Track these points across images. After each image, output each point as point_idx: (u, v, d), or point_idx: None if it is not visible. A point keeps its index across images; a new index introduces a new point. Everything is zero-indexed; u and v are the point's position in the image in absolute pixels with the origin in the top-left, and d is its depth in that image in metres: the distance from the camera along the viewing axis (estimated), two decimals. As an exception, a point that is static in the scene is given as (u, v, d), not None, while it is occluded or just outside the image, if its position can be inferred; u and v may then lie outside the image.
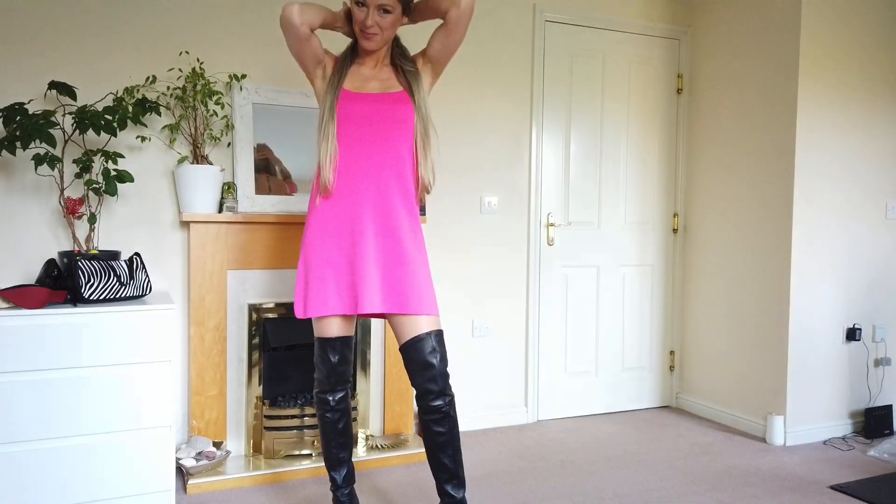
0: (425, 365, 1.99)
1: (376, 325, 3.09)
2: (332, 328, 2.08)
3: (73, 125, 2.48)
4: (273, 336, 2.90)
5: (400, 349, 2.04)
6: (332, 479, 2.20)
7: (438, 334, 2.03)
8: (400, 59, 2.14)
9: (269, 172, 2.93)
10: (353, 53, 2.13)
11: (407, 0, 2.03)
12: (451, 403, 2.02)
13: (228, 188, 2.82)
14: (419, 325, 2.01)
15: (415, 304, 2.00)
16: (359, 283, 2.00)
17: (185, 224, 2.84)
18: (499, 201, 3.46)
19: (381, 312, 2.04)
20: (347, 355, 2.13)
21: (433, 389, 2.00)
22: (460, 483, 2.04)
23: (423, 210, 3.17)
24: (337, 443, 2.17)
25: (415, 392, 2.04)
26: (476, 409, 3.46)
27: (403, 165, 2.07)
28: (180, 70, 2.83)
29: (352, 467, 2.22)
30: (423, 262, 2.07)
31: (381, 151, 2.05)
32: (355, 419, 2.97)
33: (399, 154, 2.06)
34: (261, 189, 2.89)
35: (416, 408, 3.25)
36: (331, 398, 2.15)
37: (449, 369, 2.04)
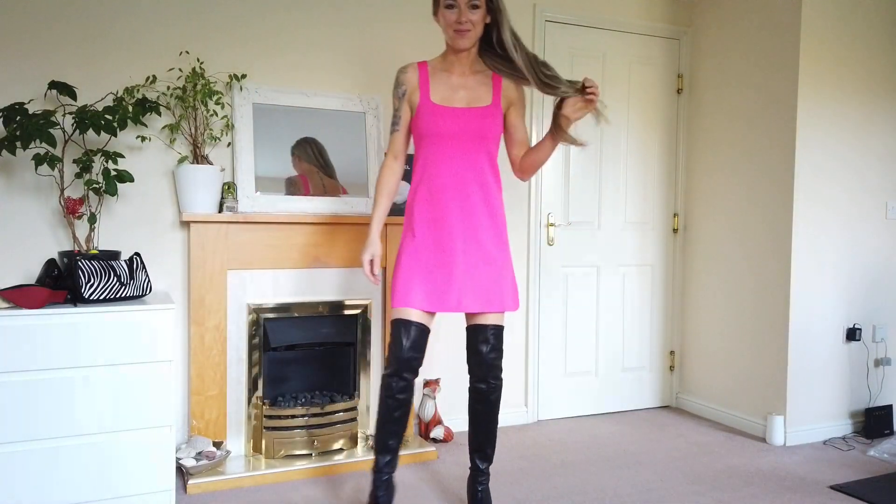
0: (475, 351, 2.26)
1: (376, 326, 3.09)
2: (413, 314, 2.19)
3: (73, 125, 2.48)
4: (273, 336, 2.90)
5: (466, 329, 2.30)
6: (376, 461, 2.25)
7: (496, 329, 2.25)
8: (499, 66, 2.24)
9: (325, 172, 2.98)
10: (441, 63, 2.27)
11: None
12: (493, 390, 2.27)
13: (228, 188, 2.82)
14: (485, 317, 2.25)
15: (491, 302, 2.23)
16: (447, 284, 2.19)
17: (186, 224, 2.84)
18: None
19: (465, 311, 2.24)
20: (421, 343, 2.21)
21: (476, 373, 2.28)
22: (484, 457, 2.33)
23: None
24: (389, 430, 2.23)
25: (467, 369, 2.31)
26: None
27: (485, 176, 2.24)
28: (180, 70, 2.83)
29: (397, 457, 2.27)
30: (505, 263, 2.27)
31: (466, 165, 2.22)
32: (355, 419, 2.97)
33: (481, 166, 2.23)
34: (315, 190, 2.94)
35: (416, 407, 3.25)
36: (394, 384, 2.19)
37: (503, 363, 2.33)
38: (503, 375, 2.36)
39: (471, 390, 2.30)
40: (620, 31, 3.68)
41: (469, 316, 2.28)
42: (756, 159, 3.42)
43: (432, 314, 2.24)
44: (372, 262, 2.28)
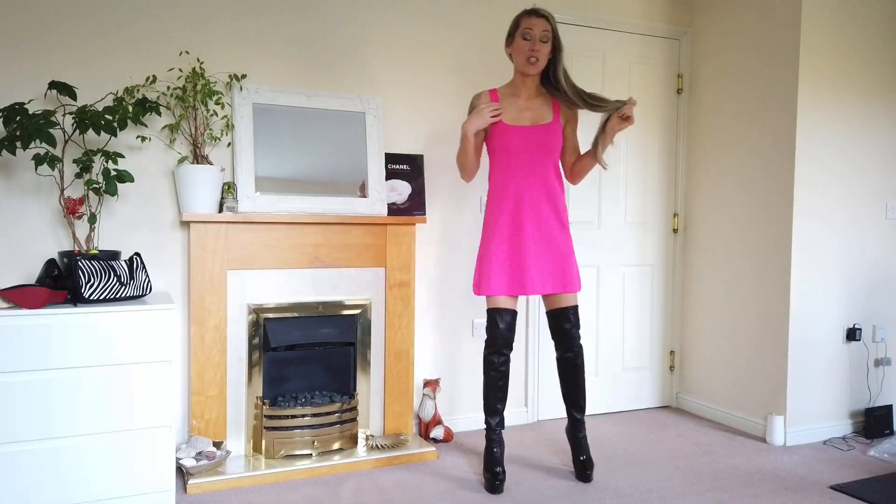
0: (561, 329, 2.75)
1: (376, 327, 3.09)
2: (502, 302, 2.70)
3: (73, 125, 2.48)
4: (273, 336, 2.90)
5: (546, 313, 2.79)
6: (488, 423, 2.76)
7: (575, 308, 2.75)
8: (559, 94, 2.72)
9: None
10: (508, 89, 2.75)
11: (555, 36, 2.66)
12: (577, 355, 2.77)
13: (228, 188, 2.82)
14: (564, 300, 2.73)
15: (563, 285, 2.70)
16: (524, 273, 2.66)
17: (186, 224, 2.84)
18: (499, 201, 3.46)
19: (541, 293, 2.70)
20: (513, 324, 2.73)
21: (563, 346, 2.76)
22: (580, 409, 2.82)
23: (423, 210, 3.18)
24: (496, 396, 2.75)
25: (553, 344, 2.81)
26: (475, 408, 3.45)
27: (550, 180, 2.70)
28: (180, 70, 2.83)
29: (503, 416, 2.78)
30: (569, 249, 2.73)
31: (534, 172, 2.68)
32: (355, 419, 2.97)
33: (547, 173, 2.70)
34: None
35: (416, 407, 3.25)
36: (496, 359, 2.73)
37: (581, 332, 2.88)
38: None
39: (559, 360, 2.80)
40: (620, 31, 3.68)
41: (548, 300, 2.76)
42: (756, 159, 3.42)
43: (516, 298, 2.74)
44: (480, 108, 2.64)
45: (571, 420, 2.84)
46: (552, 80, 2.71)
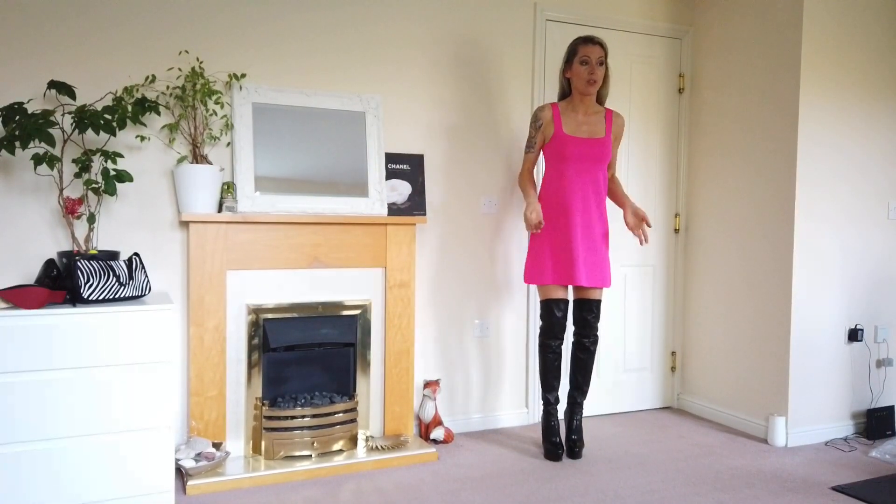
0: (583, 318, 3.05)
1: (376, 327, 3.08)
2: (557, 292, 3.00)
3: (72, 125, 2.47)
4: (272, 336, 2.89)
5: (573, 301, 3.08)
6: (546, 399, 3.09)
7: (598, 302, 3.04)
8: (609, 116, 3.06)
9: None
10: (568, 104, 3.02)
11: (605, 58, 2.96)
12: (593, 342, 3.07)
13: (228, 188, 2.82)
14: (593, 293, 3.04)
15: (601, 279, 2.99)
16: (574, 264, 2.92)
17: (185, 224, 2.84)
18: (500, 201, 3.45)
19: (584, 285, 2.97)
20: (566, 312, 3.03)
21: (581, 332, 3.07)
22: (582, 393, 3.13)
23: (423, 210, 3.17)
24: (552, 375, 3.07)
25: (573, 329, 3.13)
26: (476, 409, 3.45)
27: (599, 187, 3.00)
28: (180, 69, 2.82)
29: (558, 393, 3.12)
30: (607, 251, 3.03)
31: (587, 179, 2.97)
32: (355, 420, 2.96)
33: (598, 179, 3.00)
34: None
35: (416, 408, 3.24)
36: (552, 343, 3.04)
37: (599, 324, 3.11)
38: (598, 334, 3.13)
39: (575, 343, 3.09)
40: (622, 30, 3.67)
41: (578, 290, 3.05)
42: (758, 158, 3.41)
43: (566, 287, 3.02)
44: (535, 216, 2.87)
45: (571, 404, 3.13)
46: (598, 98, 3.05)
